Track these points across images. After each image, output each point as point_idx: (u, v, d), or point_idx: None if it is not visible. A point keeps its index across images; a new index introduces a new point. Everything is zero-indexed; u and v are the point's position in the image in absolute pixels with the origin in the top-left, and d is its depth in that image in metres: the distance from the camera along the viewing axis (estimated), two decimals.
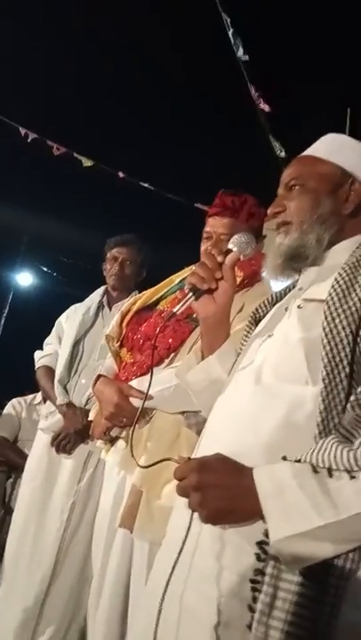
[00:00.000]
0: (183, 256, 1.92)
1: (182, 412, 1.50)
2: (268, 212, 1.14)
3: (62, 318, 2.59)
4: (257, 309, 1.22)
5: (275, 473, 0.82)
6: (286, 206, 1.11)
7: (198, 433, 1.44)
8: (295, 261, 1.09)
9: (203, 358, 1.21)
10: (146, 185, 3.59)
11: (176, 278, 1.87)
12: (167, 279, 1.90)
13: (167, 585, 0.90)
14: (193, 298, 1.12)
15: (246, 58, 2.78)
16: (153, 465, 1.04)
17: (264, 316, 1.19)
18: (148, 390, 1.14)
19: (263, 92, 3.08)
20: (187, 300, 1.12)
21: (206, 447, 0.99)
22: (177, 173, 3.61)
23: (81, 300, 2.63)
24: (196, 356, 1.23)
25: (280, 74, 3.04)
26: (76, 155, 3.39)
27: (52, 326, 2.63)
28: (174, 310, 1.11)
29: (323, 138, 1.17)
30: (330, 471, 0.79)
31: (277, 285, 1.30)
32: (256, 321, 1.20)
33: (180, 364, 1.31)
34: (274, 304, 1.19)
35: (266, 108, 3.04)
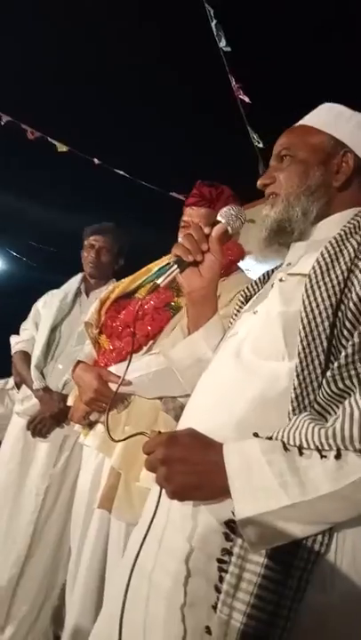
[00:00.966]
0: (159, 245, 1.94)
1: (160, 398, 1.54)
2: (258, 183, 1.09)
3: (39, 304, 2.60)
4: (247, 288, 1.18)
5: (244, 449, 0.80)
6: (276, 178, 1.06)
7: (176, 418, 1.48)
8: (281, 236, 1.04)
9: (189, 335, 1.16)
10: (121, 172, 3.58)
11: (154, 267, 1.88)
12: (145, 268, 1.92)
13: (136, 559, 0.88)
14: (177, 270, 1.07)
15: (228, 49, 2.79)
16: (127, 438, 1.03)
17: (254, 294, 1.16)
18: (126, 373, 1.11)
19: (243, 82, 3.09)
20: (171, 273, 1.06)
21: (184, 424, 0.95)
22: (153, 162, 3.60)
23: (51, 285, 2.65)
24: (182, 332, 1.18)
25: (261, 66, 3.06)
26: (50, 139, 3.35)
27: (22, 311, 2.64)
28: (158, 282, 1.05)
29: (318, 107, 1.11)
30: (300, 449, 0.76)
31: (256, 273, 1.30)
32: (246, 300, 1.17)
33: (166, 341, 1.27)
34: (264, 283, 1.15)
35: (246, 98, 3.06)
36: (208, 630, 0.79)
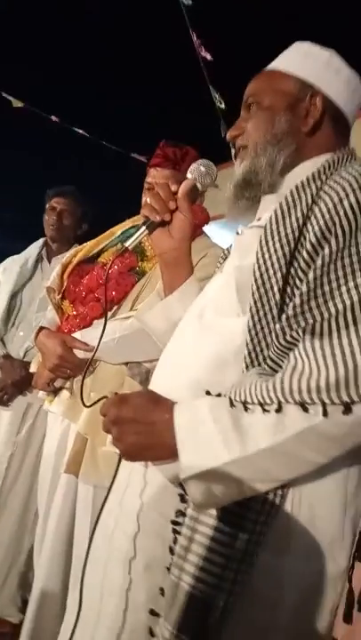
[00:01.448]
0: (122, 207, 1.90)
1: (126, 363, 1.53)
2: (227, 137, 1.02)
3: None
4: (226, 250, 1.13)
5: (193, 407, 0.78)
6: (244, 128, 0.99)
7: (141, 383, 1.49)
8: (247, 189, 0.97)
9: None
10: (81, 131, 3.44)
11: (118, 230, 1.85)
12: (108, 231, 1.88)
13: (97, 520, 0.88)
14: (146, 232, 1.03)
15: (189, 2, 2.67)
16: (95, 403, 1.00)
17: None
18: (101, 340, 1.09)
19: (205, 39, 2.98)
20: (140, 234, 1.02)
21: (151, 387, 0.94)
22: (114, 121, 3.47)
23: (2, 251, 2.56)
24: (158, 296, 1.13)
25: (223, 21, 2.95)
26: (4, 94, 3.17)
27: None
28: (126, 245, 1.01)
29: (288, 49, 1.03)
30: (245, 405, 0.74)
31: (220, 237, 1.28)
32: (222, 264, 1.11)
33: (141, 306, 1.22)
34: None
35: (208, 56, 2.95)
36: (162, 592, 0.79)
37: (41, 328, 1.69)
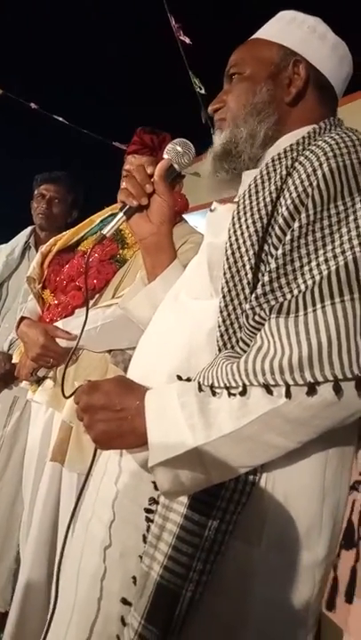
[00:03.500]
0: (101, 196, 1.88)
1: (109, 351, 1.53)
2: (209, 110, 0.97)
3: None
4: None
5: (163, 393, 0.75)
6: (225, 100, 0.94)
7: (125, 370, 1.48)
8: (227, 161, 0.90)
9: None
10: (60, 119, 3.39)
11: (97, 218, 1.84)
12: (88, 219, 1.87)
13: (74, 510, 0.87)
14: (124, 217, 0.99)
15: None
16: (74, 393, 1.01)
17: None
18: (83, 329, 1.07)
19: (184, 23, 2.95)
20: (118, 221, 0.98)
21: (129, 374, 0.91)
22: (93, 109, 3.42)
23: None
24: (142, 282, 1.09)
25: (202, 4, 2.91)
26: None
27: None
28: (104, 232, 0.98)
29: (273, 18, 0.98)
30: (212, 389, 0.71)
31: (201, 226, 1.26)
32: None
33: (125, 293, 1.19)
34: None
35: (186, 39, 2.91)
36: (134, 580, 0.77)
37: (22, 318, 1.68)
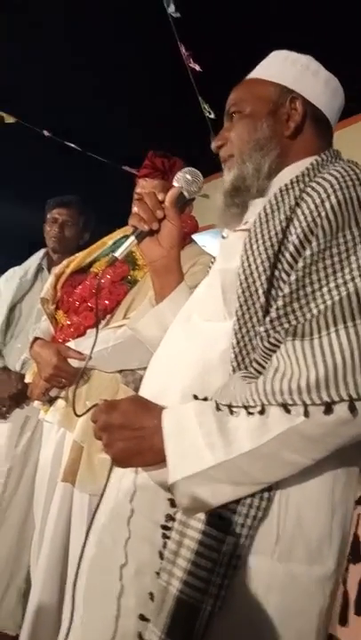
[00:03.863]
0: (113, 219, 1.92)
1: (120, 371, 1.55)
2: (212, 146, 1.03)
3: (0, 282, 2.52)
4: (213, 259, 1.11)
5: (180, 412, 0.78)
6: (228, 138, 0.99)
7: (136, 390, 1.49)
8: (237, 196, 0.97)
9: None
10: (72, 145, 3.47)
11: (109, 240, 1.88)
12: (100, 241, 1.91)
13: (89, 529, 0.89)
14: (135, 241, 1.04)
15: (178, 15, 2.69)
16: (86, 412, 1.00)
17: None
18: (93, 349, 1.11)
19: (193, 50, 3.02)
20: (129, 244, 1.03)
21: (141, 393, 0.95)
22: (105, 135, 3.50)
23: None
24: (150, 304, 1.13)
25: (212, 32, 2.99)
26: None
27: None
28: (115, 255, 1.02)
29: (266, 58, 1.05)
30: (230, 408, 0.74)
31: (212, 246, 1.29)
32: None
33: (134, 314, 1.23)
34: None
35: (196, 67, 2.98)
36: (151, 596, 0.79)
37: (35, 338, 1.71)
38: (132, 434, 0.79)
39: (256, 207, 0.94)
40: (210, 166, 1.16)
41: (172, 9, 2.61)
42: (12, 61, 3.15)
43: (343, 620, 0.86)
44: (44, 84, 3.32)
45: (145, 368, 1.44)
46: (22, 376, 2.20)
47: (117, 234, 1.87)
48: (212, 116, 3.42)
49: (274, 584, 0.76)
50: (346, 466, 0.82)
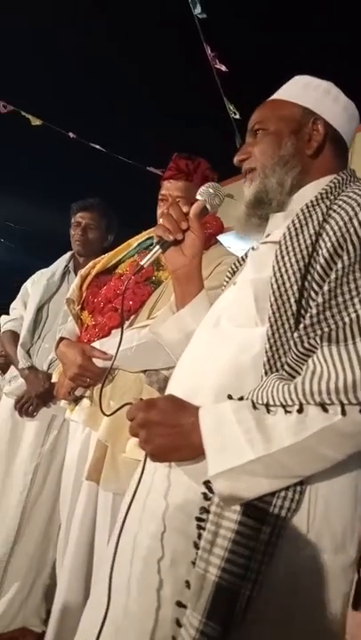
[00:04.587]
0: (139, 220, 1.93)
1: (144, 371, 1.55)
2: (235, 160, 1.11)
3: (28, 283, 2.57)
4: (234, 263, 1.20)
5: (217, 410, 0.84)
6: (251, 152, 1.07)
7: (159, 390, 1.50)
8: (259, 208, 1.05)
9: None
10: (97, 146, 3.51)
11: (134, 242, 1.88)
12: (125, 243, 1.92)
13: (123, 523, 0.93)
14: (160, 250, 1.11)
15: (204, 16, 2.70)
16: (116, 411, 1.07)
17: (239, 268, 1.17)
18: (119, 349, 1.15)
19: (219, 52, 3.02)
20: (154, 253, 1.10)
21: (169, 393, 1.00)
22: (130, 136, 3.53)
23: (27, 265, 2.60)
24: (170, 310, 1.21)
25: (237, 33, 2.98)
26: (24, 113, 3.26)
27: (3, 292, 2.60)
28: (141, 263, 1.09)
29: (288, 82, 1.13)
30: (267, 407, 0.80)
31: (236, 247, 1.32)
32: (233, 274, 1.19)
33: (155, 319, 1.30)
34: None
35: (222, 67, 2.98)
36: (188, 584, 0.84)
37: (61, 338, 1.72)
38: (169, 430, 0.86)
39: (277, 220, 1.03)
40: (235, 167, 1.18)
41: (198, 10, 2.62)
42: (39, 66, 3.21)
43: (356, 605, 0.92)
44: (70, 86, 3.37)
45: (169, 368, 1.46)
46: (49, 375, 2.23)
47: (143, 235, 1.87)
48: (237, 116, 3.42)
49: (304, 571, 0.83)
50: None
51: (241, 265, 1.18)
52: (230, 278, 1.18)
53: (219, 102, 3.17)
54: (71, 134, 3.36)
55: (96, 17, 3.03)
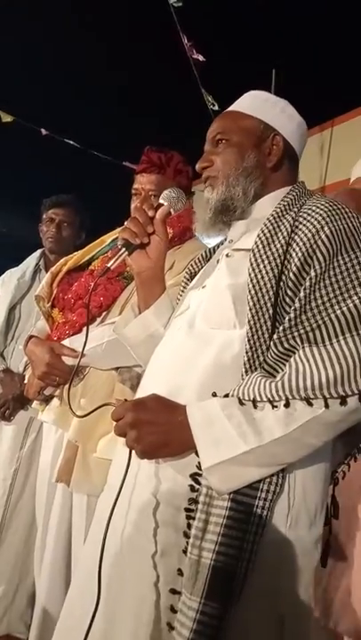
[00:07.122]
0: (112, 216, 1.88)
1: (116, 369, 1.51)
2: (197, 167, 1.17)
3: None
4: (192, 265, 1.26)
5: (205, 407, 0.91)
6: (213, 161, 1.13)
7: (132, 388, 1.46)
8: (224, 214, 1.12)
9: (140, 313, 1.23)
10: (71, 142, 3.44)
11: (107, 238, 1.85)
12: (98, 239, 1.88)
13: (109, 521, 0.96)
14: (126, 253, 1.14)
15: (180, 4, 2.65)
16: (91, 412, 1.09)
17: (199, 271, 1.23)
18: (85, 346, 1.16)
19: (195, 41, 2.97)
20: (120, 255, 1.14)
21: (143, 392, 1.03)
22: (104, 131, 3.47)
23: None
24: (133, 310, 1.26)
25: (213, 22, 2.94)
26: None
27: None
28: (108, 265, 1.13)
29: (245, 94, 1.19)
30: (254, 402, 0.88)
31: (210, 241, 1.32)
32: (191, 276, 1.25)
33: (118, 320, 1.33)
34: (208, 259, 1.24)
35: (200, 57, 2.93)
36: (180, 572, 0.90)
37: (30, 337, 1.68)
38: (160, 428, 0.92)
39: (239, 227, 1.12)
40: None
41: None
42: (8, 59, 3.14)
43: (324, 563, 1.02)
44: (42, 81, 3.30)
45: (141, 366, 1.41)
46: (24, 377, 2.17)
47: (117, 232, 1.83)
48: (216, 107, 3.37)
49: (287, 546, 0.91)
50: (332, 442, 0.97)
51: (199, 267, 1.24)
52: (188, 280, 1.24)
53: (196, 93, 3.12)
54: (43, 130, 3.30)
55: (67, 7, 2.97)
